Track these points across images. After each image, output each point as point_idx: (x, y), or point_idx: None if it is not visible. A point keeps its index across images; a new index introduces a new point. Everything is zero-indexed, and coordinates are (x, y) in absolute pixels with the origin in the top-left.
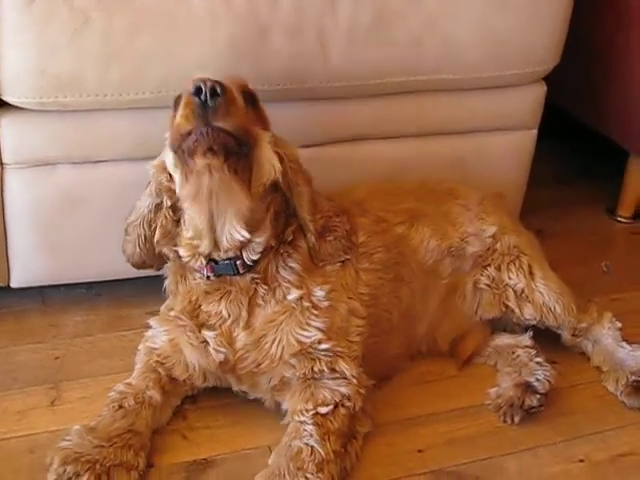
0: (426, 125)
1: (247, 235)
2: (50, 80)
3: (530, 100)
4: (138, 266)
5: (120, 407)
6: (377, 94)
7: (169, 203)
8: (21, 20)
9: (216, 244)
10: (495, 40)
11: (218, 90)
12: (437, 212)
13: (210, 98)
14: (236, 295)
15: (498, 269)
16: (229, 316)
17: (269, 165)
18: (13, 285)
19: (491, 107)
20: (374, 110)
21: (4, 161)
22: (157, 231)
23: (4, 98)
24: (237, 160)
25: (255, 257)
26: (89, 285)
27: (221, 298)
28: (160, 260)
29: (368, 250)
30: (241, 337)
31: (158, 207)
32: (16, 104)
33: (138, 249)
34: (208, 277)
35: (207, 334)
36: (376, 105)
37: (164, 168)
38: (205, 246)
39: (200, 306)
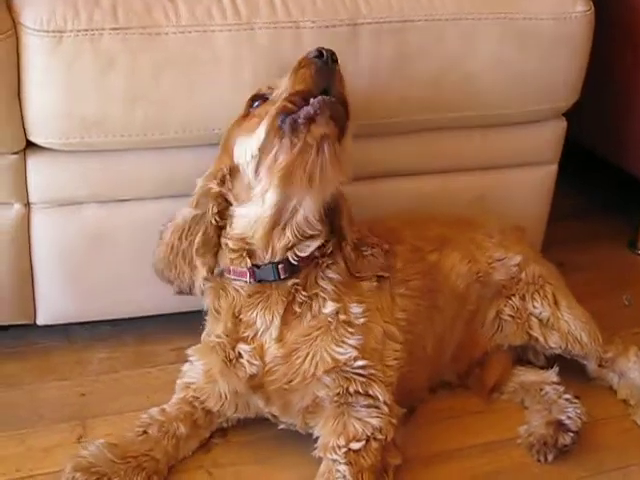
0: (447, 162)
1: (319, 228)
2: (76, 121)
3: (550, 136)
4: (159, 273)
5: (144, 432)
6: (397, 132)
7: (216, 210)
8: (48, 62)
9: (268, 241)
10: (514, 77)
11: (336, 57)
12: (464, 238)
13: (332, 61)
14: (275, 299)
15: (522, 299)
16: (262, 324)
17: (349, 160)
18: (39, 322)
19: (512, 143)
20: (394, 147)
21: (31, 201)
22: (198, 239)
23: (31, 139)
24: (339, 141)
25: (304, 254)
26: (114, 322)
27: (259, 303)
28: (180, 277)
29: (404, 277)
30: (272, 350)
31: (195, 218)
32: (42, 145)
33: (165, 255)
34: (250, 282)
35: (242, 347)
36: (396, 142)
37: (214, 175)
38: (259, 238)
39: (241, 319)
